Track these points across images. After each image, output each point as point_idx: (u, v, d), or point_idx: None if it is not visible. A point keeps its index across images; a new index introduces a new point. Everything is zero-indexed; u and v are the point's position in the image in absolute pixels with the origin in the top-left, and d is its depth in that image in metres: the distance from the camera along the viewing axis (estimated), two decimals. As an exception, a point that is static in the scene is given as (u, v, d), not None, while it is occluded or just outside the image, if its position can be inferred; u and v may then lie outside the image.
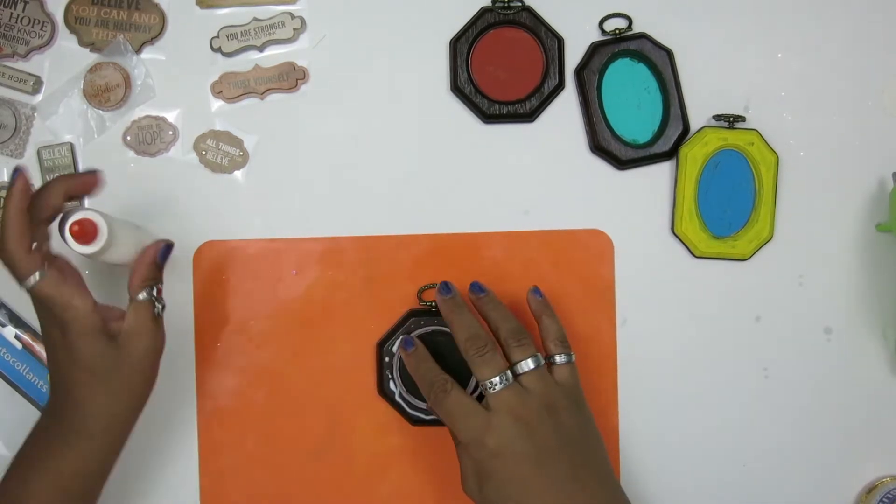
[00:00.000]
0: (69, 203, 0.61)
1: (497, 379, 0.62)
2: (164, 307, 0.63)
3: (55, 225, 0.60)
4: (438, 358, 0.71)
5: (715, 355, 0.74)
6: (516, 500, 0.61)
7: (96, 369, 0.60)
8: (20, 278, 0.59)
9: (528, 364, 0.63)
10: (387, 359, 0.72)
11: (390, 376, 0.72)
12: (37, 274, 0.59)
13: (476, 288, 0.67)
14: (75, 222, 0.58)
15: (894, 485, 0.72)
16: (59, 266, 0.61)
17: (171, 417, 0.68)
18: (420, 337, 0.71)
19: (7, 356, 0.72)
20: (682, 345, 0.74)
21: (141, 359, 0.62)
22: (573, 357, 0.65)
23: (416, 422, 0.72)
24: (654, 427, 0.73)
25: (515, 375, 0.63)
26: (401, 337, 0.69)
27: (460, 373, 0.69)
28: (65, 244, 0.59)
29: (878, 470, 0.74)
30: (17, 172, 0.60)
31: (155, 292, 0.63)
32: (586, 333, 0.73)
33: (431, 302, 0.72)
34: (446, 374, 0.64)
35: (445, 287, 0.67)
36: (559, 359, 0.65)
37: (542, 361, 0.64)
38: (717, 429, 0.74)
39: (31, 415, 0.72)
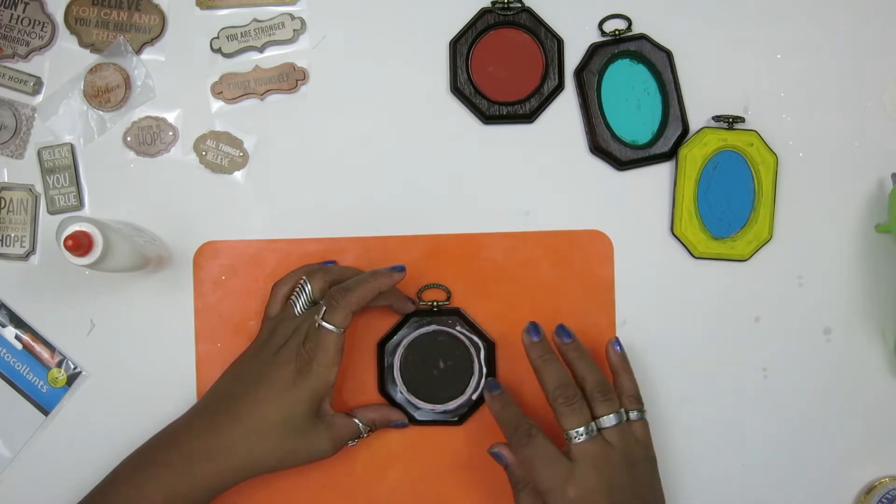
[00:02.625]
0: (70, 215, 0.62)
1: (583, 429, 0.63)
2: (364, 436, 0.69)
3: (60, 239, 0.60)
4: (437, 358, 0.72)
5: (715, 356, 0.74)
6: None
7: (285, 421, 0.64)
8: (333, 322, 0.64)
9: (611, 419, 0.64)
10: (388, 358, 0.72)
11: (391, 376, 0.72)
12: (342, 330, 0.64)
13: (563, 333, 0.68)
14: (69, 236, 0.58)
15: (894, 485, 0.72)
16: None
17: (171, 417, 0.68)
18: (420, 337, 0.71)
19: (7, 356, 0.72)
20: (682, 345, 0.74)
21: (311, 449, 0.65)
22: (645, 414, 0.67)
23: (416, 422, 0.72)
24: (654, 427, 0.73)
25: (599, 429, 0.64)
26: (487, 378, 0.70)
27: (458, 379, 0.69)
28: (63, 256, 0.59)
29: (877, 470, 0.74)
30: (404, 270, 0.68)
31: (371, 432, 0.70)
32: (586, 334, 0.72)
33: (431, 302, 0.72)
34: (529, 418, 0.65)
35: (535, 329, 0.67)
36: (633, 415, 0.66)
37: (624, 417, 0.65)
38: (717, 429, 0.74)
39: (32, 415, 0.72)
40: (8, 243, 0.72)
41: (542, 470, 0.63)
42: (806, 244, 0.74)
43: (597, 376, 0.66)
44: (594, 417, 0.64)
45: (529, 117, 0.73)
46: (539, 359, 0.66)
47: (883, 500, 0.72)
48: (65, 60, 0.73)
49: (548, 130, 0.74)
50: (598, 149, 0.73)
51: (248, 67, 0.73)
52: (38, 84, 0.73)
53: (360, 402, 0.72)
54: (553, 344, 0.68)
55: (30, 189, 0.72)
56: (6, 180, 0.72)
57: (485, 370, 0.71)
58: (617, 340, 0.70)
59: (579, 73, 0.73)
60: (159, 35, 0.73)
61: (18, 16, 0.72)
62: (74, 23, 0.72)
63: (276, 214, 0.73)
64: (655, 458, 0.67)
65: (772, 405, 0.74)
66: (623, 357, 0.69)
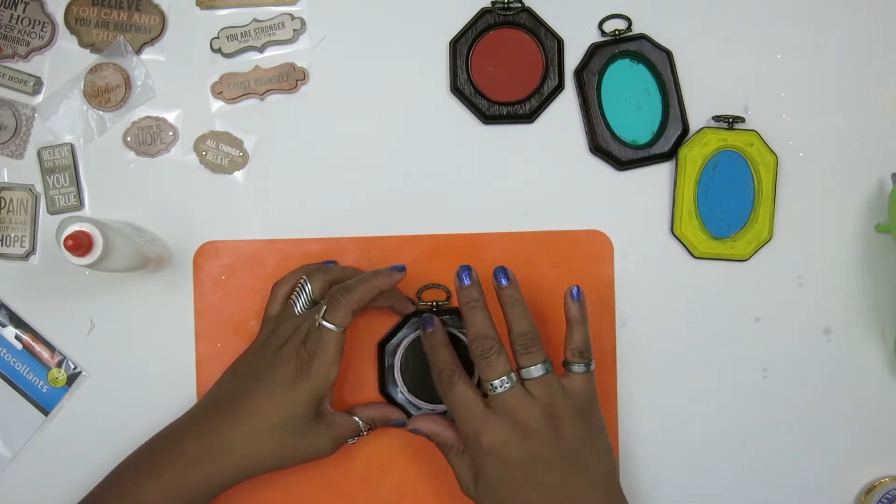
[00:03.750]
0: (70, 215, 0.62)
1: (498, 382, 0.62)
2: (364, 434, 0.69)
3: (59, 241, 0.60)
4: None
5: (715, 356, 0.74)
6: (505, 501, 0.62)
7: (285, 421, 0.64)
8: (333, 321, 0.64)
9: (535, 371, 0.63)
10: (388, 359, 0.72)
11: (392, 377, 0.72)
12: (342, 330, 0.64)
13: (500, 275, 0.65)
14: (69, 236, 0.58)
15: (894, 485, 0.72)
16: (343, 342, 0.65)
17: (171, 417, 0.68)
18: (420, 337, 0.71)
19: (7, 356, 0.72)
20: (682, 345, 0.74)
21: (311, 448, 0.65)
22: (592, 367, 0.65)
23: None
24: (654, 427, 0.73)
25: (522, 380, 0.63)
26: (423, 314, 0.69)
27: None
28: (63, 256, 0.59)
29: (877, 470, 0.74)
30: (404, 269, 0.68)
31: (371, 430, 0.69)
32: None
33: (431, 302, 0.72)
34: (458, 364, 0.65)
35: (466, 273, 0.65)
36: (575, 367, 0.65)
37: (550, 369, 0.63)
38: (717, 429, 0.74)
39: (32, 415, 0.72)
40: (8, 243, 0.72)
41: (460, 415, 0.63)
42: (806, 244, 0.74)
43: (522, 327, 0.64)
44: (518, 368, 0.63)
45: (529, 117, 0.73)
46: (465, 305, 0.65)
47: (883, 500, 0.72)
48: (65, 60, 0.73)
49: (548, 130, 0.74)
50: (598, 149, 0.73)
51: (248, 67, 0.73)
52: (38, 84, 0.73)
53: (361, 403, 0.72)
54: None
55: (30, 189, 0.72)
56: (6, 180, 0.72)
57: None
58: (577, 290, 0.65)
59: (579, 73, 0.73)
60: (159, 35, 0.73)
61: (18, 16, 0.72)
62: (74, 23, 0.72)
63: (276, 214, 0.73)
64: (594, 412, 0.64)
65: (772, 405, 0.74)
66: (578, 307, 0.65)
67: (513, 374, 0.63)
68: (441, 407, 0.72)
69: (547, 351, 0.64)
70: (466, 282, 0.65)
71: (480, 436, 0.62)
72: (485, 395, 0.63)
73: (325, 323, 0.64)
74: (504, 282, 0.65)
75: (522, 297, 0.65)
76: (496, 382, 0.62)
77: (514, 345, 0.64)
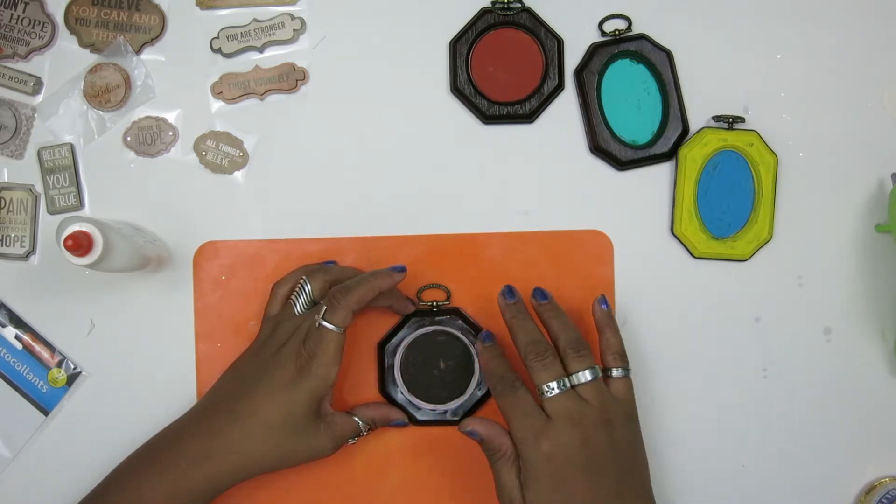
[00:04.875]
0: (70, 215, 0.62)
1: (554, 384, 0.63)
2: (364, 434, 0.69)
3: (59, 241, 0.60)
4: (437, 358, 0.72)
5: (714, 355, 0.74)
6: None
7: (285, 421, 0.64)
8: (333, 321, 0.64)
9: (585, 375, 0.63)
10: (388, 359, 0.72)
11: (392, 377, 0.72)
12: (342, 330, 0.64)
13: (539, 295, 0.67)
14: (69, 236, 0.58)
15: (894, 485, 0.72)
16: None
17: (171, 417, 0.68)
18: (421, 337, 0.71)
19: (7, 356, 0.72)
20: (682, 345, 0.74)
21: (311, 448, 0.66)
22: (630, 372, 0.66)
23: (416, 422, 0.72)
24: (654, 427, 0.73)
25: (573, 386, 0.63)
26: (482, 331, 0.69)
27: (459, 379, 0.69)
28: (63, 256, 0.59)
29: (877, 470, 0.74)
30: (404, 270, 0.68)
31: (371, 430, 0.70)
32: (586, 334, 0.72)
33: (431, 302, 0.72)
34: (516, 371, 0.65)
35: (510, 292, 0.67)
36: (616, 373, 0.66)
37: (600, 374, 0.64)
38: (717, 429, 0.74)
39: (32, 415, 0.72)
40: (8, 243, 0.72)
41: (518, 420, 0.63)
42: (806, 244, 0.74)
43: (570, 334, 0.65)
44: (568, 374, 0.64)
45: (529, 117, 0.73)
46: (512, 319, 0.66)
47: (883, 500, 0.72)
48: (65, 60, 0.73)
49: (548, 130, 0.74)
50: (598, 149, 0.73)
51: (248, 67, 0.73)
52: (38, 84, 0.73)
53: (361, 403, 0.72)
54: (532, 309, 0.67)
55: (30, 189, 0.72)
56: (6, 180, 0.72)
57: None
58: (604, 298, 0.68)
59: (579, 73, 0.73)
60: (159, 35, 0.73)
61: (18, 16, 0.72)
62: (74, 23, 0.72)
63: (276, 214, 0.73)
64: (636, 417, 0.66)
65: (772, 405, 0.74)
66: (608, 314, 0.68)
67: (566, 379, 0.63)
68: (441, 406, 0.72)
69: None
70: (511, 299, 0.67)
71: (541, 440, 0.62)
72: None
73: (325, 323, 0.64)
74: (544, 300, 0.67)
75: (562, 310, 0.67)
76: (552, 384, 0.63)
77: (564, 351, 0.64)
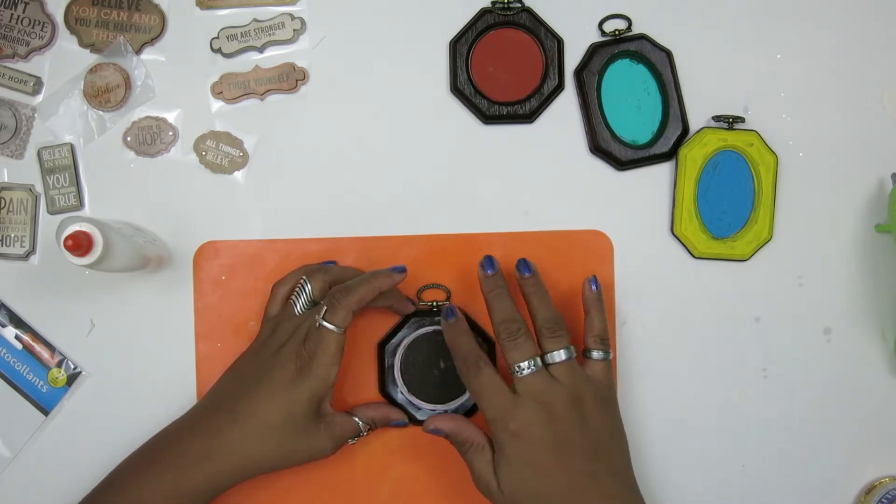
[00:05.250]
0: (70, 215, 0.62)
1: (525, 363, 0.63)
2: (364, 434, 0.69)
3: (60, 239, 0.60)
4: (438, 358, 0.72)
5: (715, 355, 0.74)
6: (530, 485, 0.62)
7: (285, 421, 0.64)
8: (333, 321, 0.64)
9: (559, 355, 0.63)
10: (388, 359, 0.72)
11: (392, 377, 0.72)
12: (342, 330, 0.64)
13: (522, 267, 0.67)
14: (69, 236, 0.58)
15: (894, 485, 0.72)
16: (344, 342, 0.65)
17: (171, 417, 0.68)
18: (421, 337, 0.71)
19: (7, 356, 0.72)
20: (682, 345, 0.74)
21: (311, 448, 0.65)
22: (610, 355, 0.66)
23: (416, 422, 0.72)
24: (654, 427, 0.73)
25: (546, 365, 0.63)
26: (445, 305, 0.69)
27: (459, 379, 0.69)
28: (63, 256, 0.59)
29: (877, 470, 0.74)
30: (405, 270, 0.68)
31: (371, 430, 0.69)
32: (576, 319, 0.72)
33: (432, 302, 0.72)
34: (481, 350, 0.65)
35: (489, 262, 0.66)
36: (596, 354, 0.66)
37: (574, 354, 0.64)
38: (717, 429, 0.74)
39: (32, 415, 0.72)
40: (8, 243, 0.72)
41: (486, 401, 0.63)
42: (806, 244, 0.74)
43: (548, 313, 0.65)
44: (543, 353, 0.64)
45: (529, 117, 0.73)
46: (490, 293, 0.65)
47: (883, 500, 0.72)
48: (65, 60, 0.73)
49: (548, 130, 0.74)
50: (598, 149, 0.73)
51: (248, 67, 0.73)
52: (38, 84, 0.73)
53: (361, 403, 0.72)
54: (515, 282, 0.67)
55: (30, 189, 0.72)
56: (6, 180, 0.72)
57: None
58: (594, 279, 0.68)
59: (579, 73, 0.73)
60: (159, 35, 0.73)
61: (18, 16, 0.72)
62: (74, 23, 0.72)
63: (276, 214, 0.73)
64: (613, 400, 0.66)
65: (772, 405, 0.74)
66: (597, 296, 0.68)
67: (538, 359, 0.63)
68: (441, 406, 0.72)
69: None
70: (490, 270, 0.66)
71: (508, 420, 0.62)
72: (508, 383, 0.64)
73: (325, 323, 0.64)
74: (527, 272, 0.66)
75: (545, 286, 0.66)
76: (523, 364, 0.63)
77: (539, 329, 0.64)
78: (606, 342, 0.66)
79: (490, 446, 0.64)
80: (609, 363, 0.66)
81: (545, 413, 0.62)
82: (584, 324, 0.67)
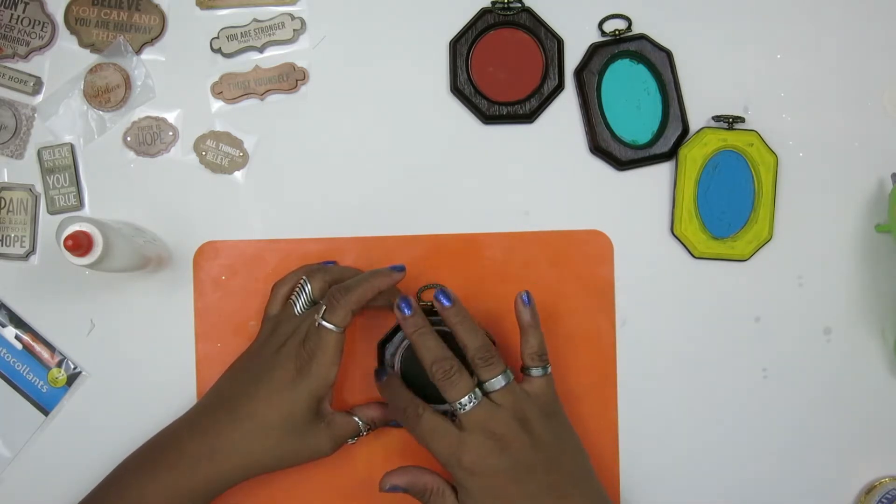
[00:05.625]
0: (70, 215, 0.61)
1: (466, 399, 0.62)
2: (364, 434, 0.69)
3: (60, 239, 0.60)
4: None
5: (714, 356, 0.74)
6: None
7: (285, 421, 0.64)
8: (333, 321, 0.64)
9: (498, 382, 0.63)
10: (388, 359, 0.72)
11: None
12: (342, 330, 0.64)
13: (440, 297, 0.65)
14: (69, 236, 0.58)
15: (894, 485, 0.72)
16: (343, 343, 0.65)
17: (171, 417, 0.68)
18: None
19: (7, 356, 0.72)
20: (682, 345, 0.74)
21: (311, 448, 0.65)
22: (549, 370, 0.65)
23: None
24: (654, 427, 0.73)
25: (486, 393, 0.63)
26: (376, 369, 0.70)
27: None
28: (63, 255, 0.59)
29: (877, 470, 0.74)
30: (404, 269, 0.68)
31: (371, 430, 0.69)
32: (586, 334, 0.73)
33: (432, 302, 0.72)
34: (417, 398, 0.65)
35: (405, 303, 0.65)
36: (535, 371, 0.65)
37: (511, 377, 0.64)
38: (717, 429, 0.74)
39: (32, 415, 0.72)
40: (8, 243, 0.72)
41: (434, 444, 0.63)
42: (806, 244, 0.74)
43: (476, 341, 0.64)
44: (481, 382, 0.63)
45: (529, 117, 0.73)
46: (414, 334, 0.64)
47: (883, 500, 0.72)
48: (65, 60, 0.73)
49: (548, 130, 0.74)
50: (598, 149, 0.73)
51: (248, 67, 0.73)
52: (38, 84, 0.73)
53: (361, 403, 0.72)
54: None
55: (30, 189, 0.72)
56: (6, 180, 0.72)
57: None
58: (527, 294, 0.66)
59: (579, 73, 0.73)
60: (159, 35, 0.73)
61: (18, 16, 0.72)
62: (74, 23, 0.72)
63: (276, 214, 0.73)
64: (558, 411, 0.65)
65: (772, 405, 0.74)
66: (530, 312, 0.65)
67: (477, 390, 0.63)
68: (441, 407, 0.72)
69: (549, 348, 0.65)
70: (408, 311, 0.65)
71: (460, 456, 0.62)
72: (453, 419, 0.63)
73: (324, 323, 0.64)
74: (447, 303, 0.65)
75: (468, 313, 0.65)
76: (464, 400, 0.62)
77: (473, 360, 0.63)
78: (544, 357, 0.65)
79: (451, 488, 0.64)
80: (549, 377, 0.65)
81: (495, 442, 0.62)
82: (520, 342, 0.66)
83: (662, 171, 0.74)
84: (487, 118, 0.73)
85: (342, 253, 0.73)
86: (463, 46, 0.73)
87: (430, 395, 0.72)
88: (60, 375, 0.72)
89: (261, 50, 0.73)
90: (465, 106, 0.73)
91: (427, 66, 0.74)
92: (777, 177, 0.73)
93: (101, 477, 0.66)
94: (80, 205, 0.72)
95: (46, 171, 0.72)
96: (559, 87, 0.73)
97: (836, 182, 0.74)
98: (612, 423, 0.73)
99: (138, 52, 0.73)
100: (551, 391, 0.65)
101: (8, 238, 0.72)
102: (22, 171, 0.72)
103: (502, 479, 0.61)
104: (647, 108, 0.74)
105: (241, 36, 0.73)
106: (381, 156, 0.73)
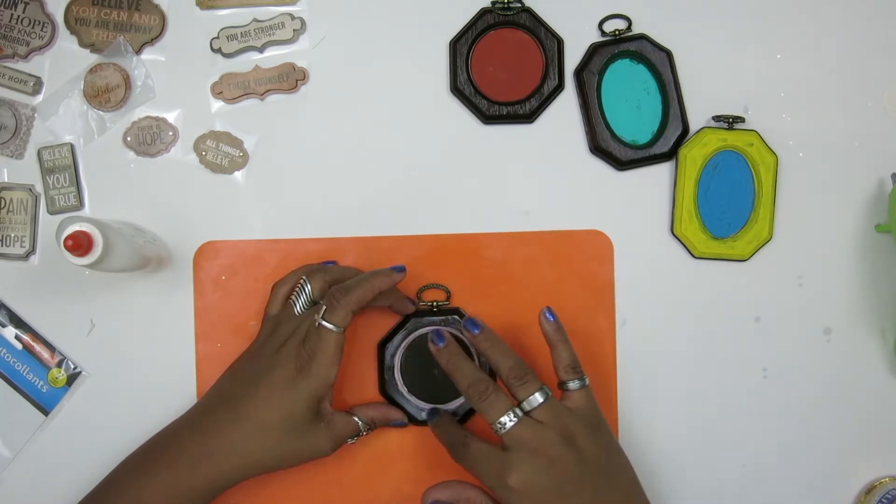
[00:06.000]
0: (70, 215, 0.61)
1: (505, 418, 0.62)
2: (364, 434, 0.69)
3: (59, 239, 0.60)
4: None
5: (714, 355, 0.74)
6: None
7: (285, 420, 0.64)
8: (333, 321, 0.64)
9: (536, 399, 0.62)
10: (388, 359, 0.72)
11: (392, 377, 0.72)
12: (342, 330, 0.64)
13: (470, 326, 0.65)
14: (69, 236, 0.58)
15: (894, 485, 0.72)
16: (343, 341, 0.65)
17: (171, 417, 0.68)
18: (421, 337, 0.71)
19: (7, 356, 0.72)
20: (682, 345, 0.74)
21: (311, 448, 0.65)
22: (587, 381, 0.65)
23: (416, 422, 0.72)
24: (654, 427, 0.73)
25: (527, 412, 0.62)
26: (427, 410, 0.71)
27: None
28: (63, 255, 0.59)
29: (877, 470, 0.74)
30: (404, 270, 0.68)
31: (370, 430, 0.69)
32: (586, 334, 0.73)
33: (432, 302, 0.72)
34: (465, 430, 0.65)
35: (438, 336, 0.65)
36: (572, 385, 0.64)
37: (549, 393, 0.63)
38: (717, 429, 0.74)
39: (32, 415, 0.72)
40: (8, 243, 0.72)
41: (481, 470, 0.62)
42: (806, 244, 0.74)
43: (509, 362, 0.63)
44: (519, 402, 0.63)
45: (529, 117, 0.73)
46: (448, 363, 0.65)
47: (883, 500, 0.72)
48: (65, 60, 0.73)
49: (548, 130, 0.74)
50: (598, 149, 0.73)
51: (248, 67, 0.73)
52: (38, 84, 0.73)
53: (361, 403, 0.72)
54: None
55: (30, 189, 0.72)
56: (6, 180, 0.72)
57: (487, 369, 0.71)
58: (550, 310, 0.66)
59: (579, 73, 0.73)
60: (159, 35, 0.73)
61: (18, 16, 0.72)
62: (74, 23, 0.72)
63: (276, 214, 0.73)
64: (602, 424, 0.65)
65: (772, 405, 0.74)
66: (556, 326, 0.66)
67: (516, 409, 0.62)
68: (442, 407, 0.72)
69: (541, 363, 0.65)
70: (441, 343, 0.65)
71: (506, 478, 0.61)
72: (496, 441, 0.63)
73: (324, 323, 0.64)
74: (476, 331, 0.65)
75: (498, 337, 0.65)
76: (503, 420, 0.62)
77: (507, 381, 0.63)
78: (578, 369, 0.65)
79: (493, 502, 0.64)
80: (587, 388, 0.65)
81: (540, 459, 0.61)
82: (551, 357, 0.65)
83: (662, 171, 0.74)
84: (487, 118, 0.73)
85: (342, 253, 0.73)
86: (463, 46, 0.73)
87: (430, 395, 0.72)
88: (60, 375, 0.72)
89: (261, 50, 0.73)
90: (465, 106, 0.73)
91: (427, 66, 0.74)
92: (777, 177, 0.73)
93: (101, 477, 0.66)
94: (80, 205, 0.72)
95: (46, 171, 0.72)
96: (559, 87, 0.73)
97: (836, 182, 0.74)
98: (612, 423, 0.73)
99: (138, 52, 0.73)
100: (592, 402, 0.65)
101: (8, 238, 0.72)
102: (22, 171, 0.72)
103: (549, 497, 0.61)
104: (647, 108, 0.74)
105: (241, 36, 0.73)
106: (381, 156, 0.73)
